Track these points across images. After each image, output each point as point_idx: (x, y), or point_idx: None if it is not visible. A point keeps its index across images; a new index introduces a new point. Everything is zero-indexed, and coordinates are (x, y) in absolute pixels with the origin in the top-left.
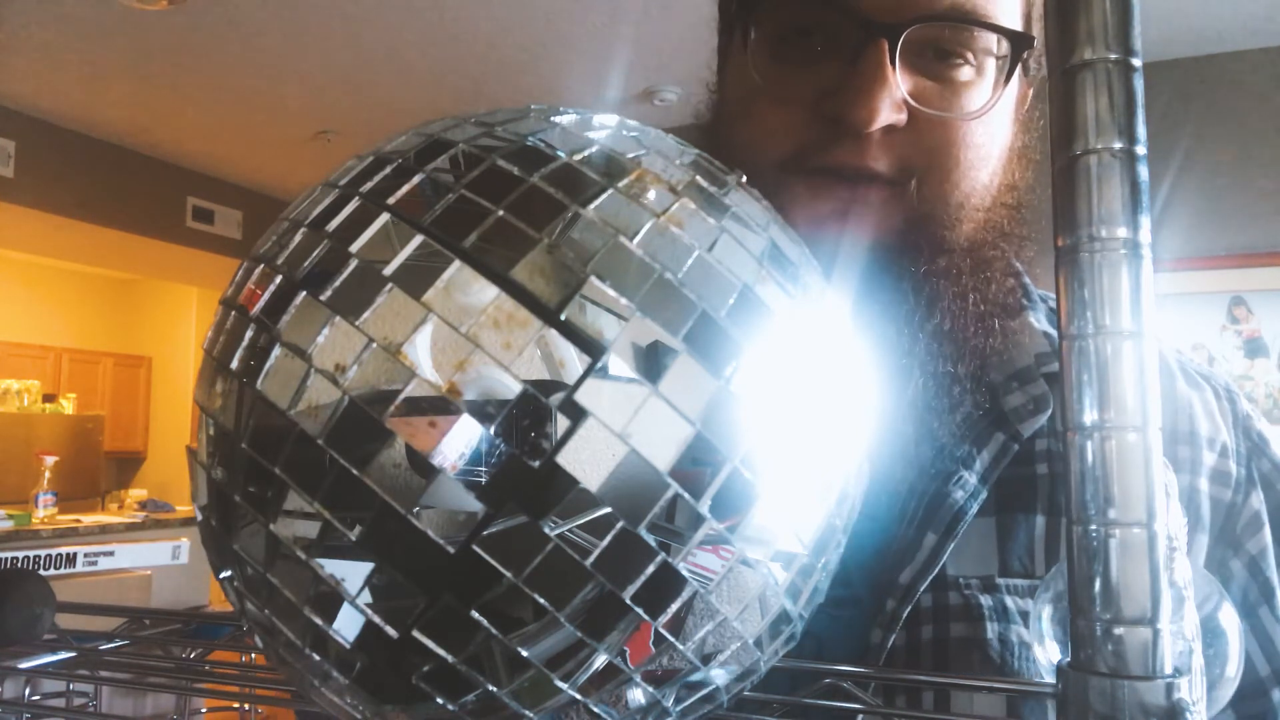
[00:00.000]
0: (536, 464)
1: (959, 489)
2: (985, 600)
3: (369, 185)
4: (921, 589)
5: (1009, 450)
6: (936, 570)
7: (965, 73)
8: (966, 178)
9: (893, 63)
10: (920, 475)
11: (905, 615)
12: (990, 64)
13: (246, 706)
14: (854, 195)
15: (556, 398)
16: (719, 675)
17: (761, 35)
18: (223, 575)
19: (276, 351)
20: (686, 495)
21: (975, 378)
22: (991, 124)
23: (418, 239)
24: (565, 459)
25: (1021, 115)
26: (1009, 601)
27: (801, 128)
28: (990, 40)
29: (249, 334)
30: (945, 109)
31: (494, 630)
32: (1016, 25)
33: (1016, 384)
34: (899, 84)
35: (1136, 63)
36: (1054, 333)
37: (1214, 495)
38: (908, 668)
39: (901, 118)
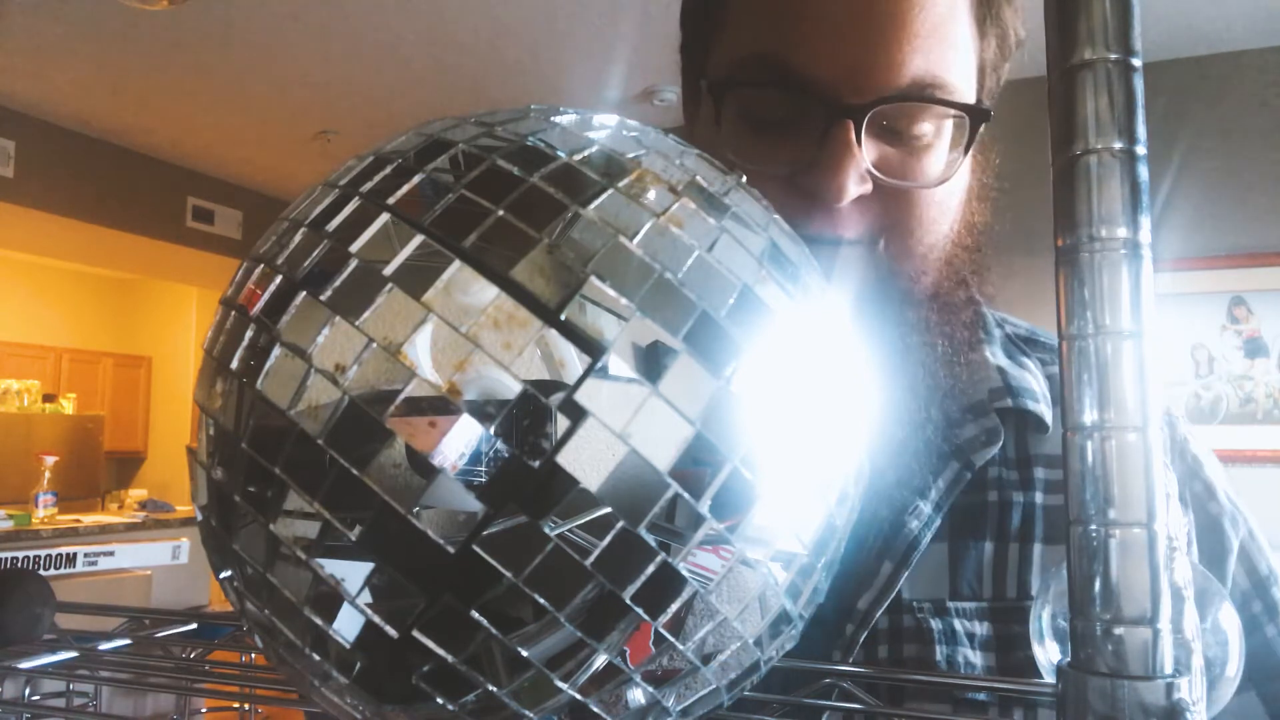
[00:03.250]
0: (536, 464)
1: (914, 519)
2: (936, 624)
3: (369, 185)
4: (878, 615)
5: (962, 478)
6: (892, 596)
7: (926, 136)
8: (930, 233)
9: (858, 140)
10: (881, 504)
11: (863, 638)
12: (948, 125)
13: (246, 706)
14: (831, 261)
15: (556, 398)
16: (719, 675)
17: (730, 112)
18: (223, 575)
19: (276, 351)
20: (686, 495)
21: (941, 411)
22: (954, 180)
23: (418, 239)
24: (565, 459)
25: (977, 160)
26: (957, 625)
27: (773, 199)
28: (948, 110)
29: (249, 334)
30: (908, 176)
31: (494, 630)
32: (972, 81)
33: (971, 416)
34: (864, 158)
35: (1136, 63)
36: (1006, 366)
37: None
38: (867, 686)
39: (868, 188)
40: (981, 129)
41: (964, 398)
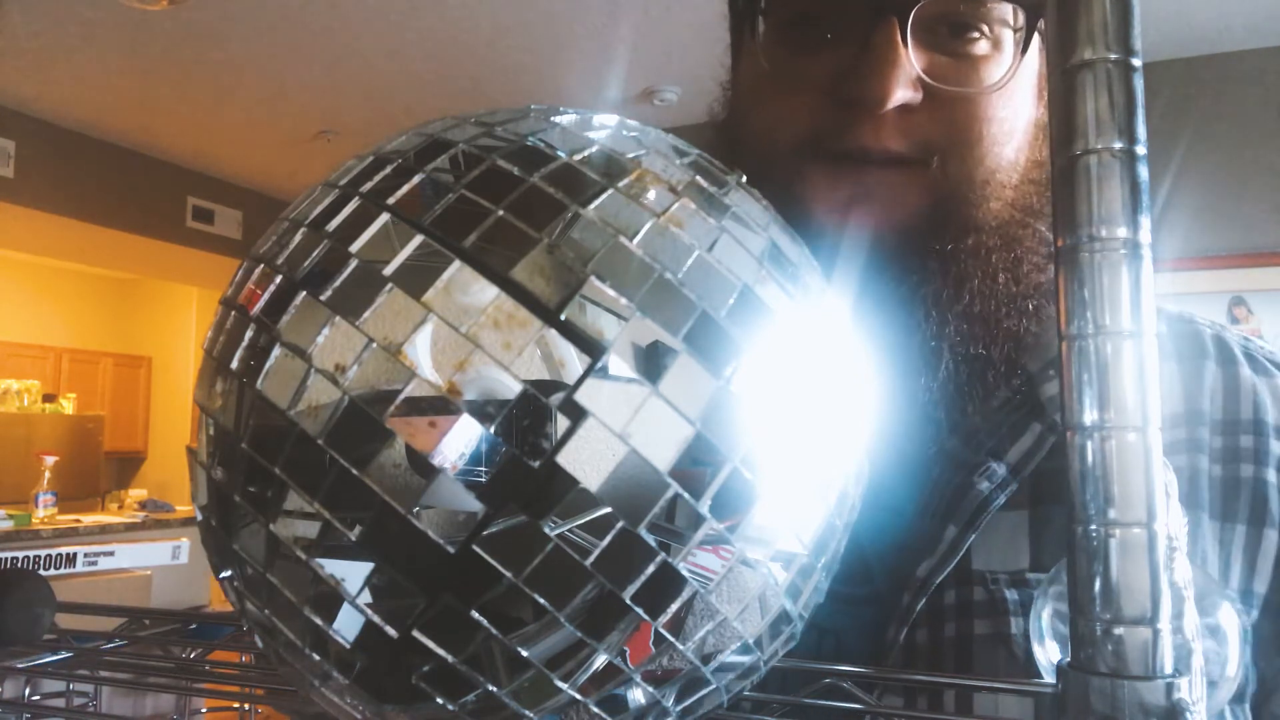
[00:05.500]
0: (536, 464)
1: (985, 480)
2: (1011, 595)
3: (369, 185)
4: (938, 582)
5: (1045, 441)
6: (955, 562)
7: (981, 46)
8: (991, 153)
9: (904, 40)
10: (947, 467)
11: (925, 610)
12: (1006, 35)
13: (246, 706)
14: (873, 178)
15: (556, 398)
16: (719, 675)
17: (770, 25)
18: (223, 575)
19: (276, 351)
20: (686, 495)
21: (1010, 362)
22: (1014, 98)
23: (418, 239)
24: (565, 459)
25: (1043, 89)
26: None
27: (816, 112)
28: (1005, 10)
29: (249, 334)
30: (963, 84)
31: (494, 630)
32: None
33: (1054, 371)
34: (912, 61)
35: (1136, 63)
36: None
37: None
38: (931, 667)
39: (917, 96)
40: (1040, 26)
41: (1045, 350)
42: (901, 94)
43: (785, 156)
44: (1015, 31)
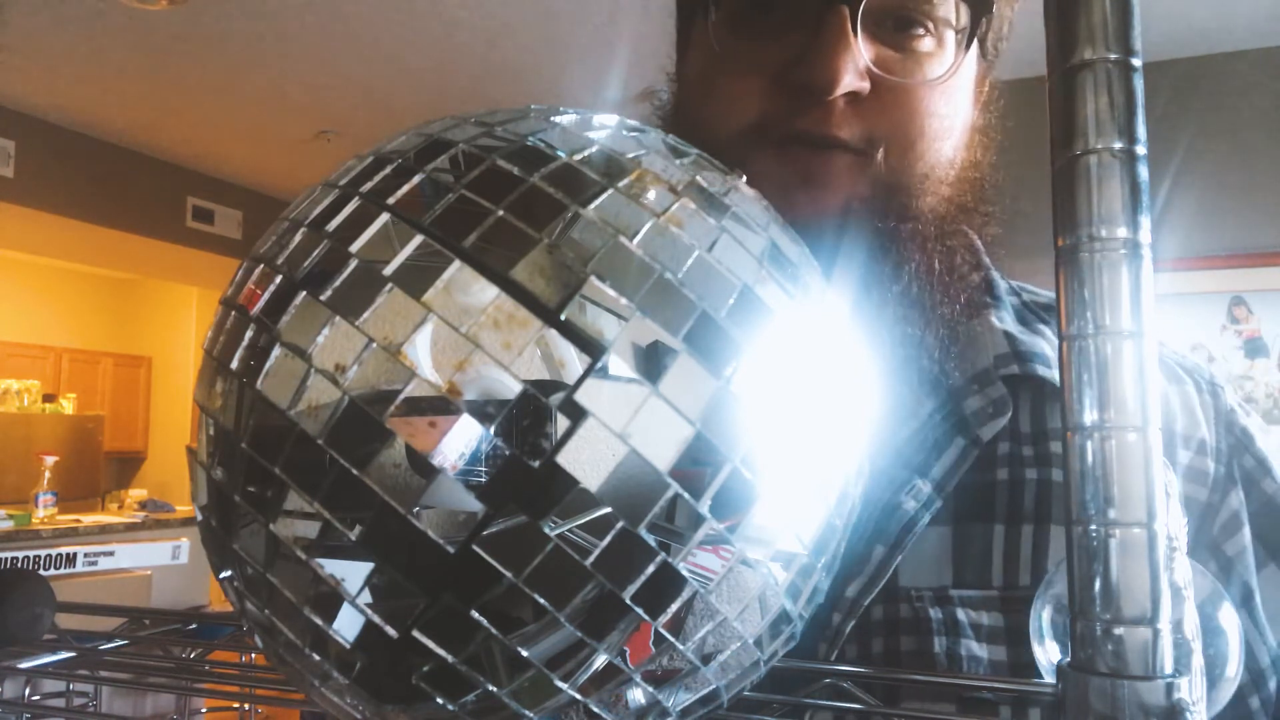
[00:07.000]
0: (536, 464)
1: (911, 498)
2: (935, 613)
3: (369, 185)
4: (866, 603)
5: (969, 455)
6: (883, 583)
7: (926, 43)
8: (931, 148)
9: (854, 29)
10: (875, 482)
11: (854, 628)
12: (950, 35)
13: (246, 706)
14: (819, 163)
15: (556, 398)
16: (719, 675)
17: (723, 11)
18: (223, 575)
19: (276, 351)
20: (686, 495)
21: (944, 348)
22: (954, 96)
23: (418, 239)
24: (565, 459)
25: (980, 97)
26: (960, 614)
27: (765, 97)
28: (949, 10)
29: (249, 334)
30: (908, 77)
31: (494, 630)
32: None
33: (976, 386)
34: (861, 52)
35: (1136, 63)
36: (1015, 332)
37: (1188, 494)
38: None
39: (865, 85)
40: (985, 37)
41: (967, 365)
42: (849, 80)
43: (732, 141)
44: (958, 33)
